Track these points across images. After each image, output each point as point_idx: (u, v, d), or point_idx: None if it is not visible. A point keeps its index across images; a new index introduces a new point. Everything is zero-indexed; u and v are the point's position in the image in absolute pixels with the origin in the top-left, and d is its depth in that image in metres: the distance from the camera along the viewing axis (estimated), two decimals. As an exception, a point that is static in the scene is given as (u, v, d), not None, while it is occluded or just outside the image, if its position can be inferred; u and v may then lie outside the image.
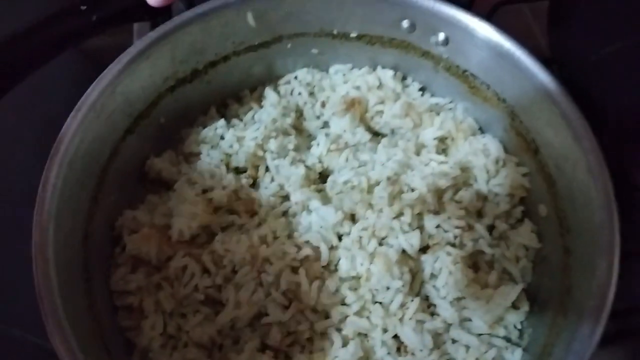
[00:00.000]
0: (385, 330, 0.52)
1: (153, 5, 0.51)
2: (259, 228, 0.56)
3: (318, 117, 0.65)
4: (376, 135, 0.64)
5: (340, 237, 0.56)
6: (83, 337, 0.48)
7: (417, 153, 0.60)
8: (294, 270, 0.54)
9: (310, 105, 0.65)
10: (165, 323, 0.54)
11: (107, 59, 0.54)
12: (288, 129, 0.62)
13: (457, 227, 0.55)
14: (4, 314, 0.61)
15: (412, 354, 0.52)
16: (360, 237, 0.54)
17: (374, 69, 0.65)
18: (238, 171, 0.61)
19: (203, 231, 0.57)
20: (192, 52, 0.59)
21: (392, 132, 0.63)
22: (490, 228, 0.58)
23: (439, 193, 0.57)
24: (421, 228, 0.55)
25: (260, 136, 0.60)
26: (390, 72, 0.65)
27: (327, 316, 0.53)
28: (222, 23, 0.58)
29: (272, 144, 0.60)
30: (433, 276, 0.54)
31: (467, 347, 0.53)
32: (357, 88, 0.64)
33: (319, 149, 0.61)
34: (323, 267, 0.54)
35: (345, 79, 0.65)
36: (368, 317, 0.52)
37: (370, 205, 0.56)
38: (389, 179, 0.56)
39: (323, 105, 0.65)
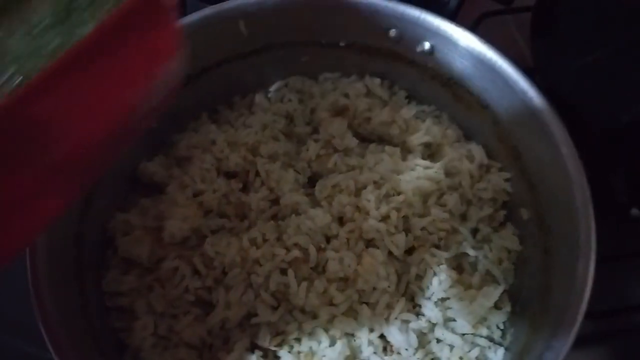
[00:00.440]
0: (371, 330, 0.53)
1: None
2: (249, 231, 0.57)
3: (308, 123, 0.67)
4: (364, 140, 0.65)
5: (328, 239, 0.57)
6: (76, 338, 0.49)
7: (404, 158, 0.62)
8: (283, 271, 0.55)
9: (300, 111, 0.67)
10: (157, 324, 0.55)
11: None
12: (278, 135, 0.64)
13: (441, 230, 0.57)
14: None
15: (398, 353, 0.53)
16: (348, 239, 0.56)
17: (362, 77, 0.67)
18: (229, 175, 0.62)
19: (194, 234, 0.58)
20: (185, 59, 0.60)
21: (380, 138, 0.65)
22: (474, 231, 0.60)
23: (424, 197, 0.58)
24: (407, 230, 0.57)
25: (251, 141, 0.62)
26: (377, 80, 0.66)
27: (315, 316, 0.54)
28: (215, 31, 0.60)
29: (263, 149, 0.62)
30: (418, 277, 0.55)
31: (451, 347, 0.54)
32: (346, 95, 0.66)
33: (309, 153, 0.62)
34: (311, 268, 0.55)
35: (334, 87, 0.67)
36: (355, 317, 0.54)
37: (358, 208, 0.57)
38: (375, 183, 0.58)
39: (312, 111, 0.66)
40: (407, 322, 0.54)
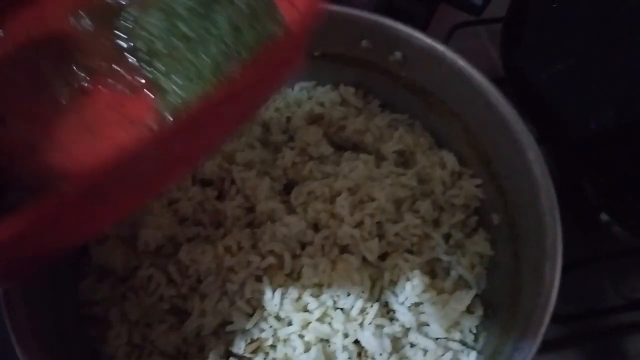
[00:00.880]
0: (346, 336, 0.54)
1: None
2: (224, 239, 0.57)
3: (284, 132, 0.67)
4: (339, 148, 0.66)
5: (303, 246, 0.58)
6: (48, 346, 0.48)
7: (378, 166, 0.63)
8: (258, 278, 0.55)
9: (276, 119, 0.67)
10: (131, 332, 0.55)
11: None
12: (254, 142, 0.64)
13: (414, 236, 0.58)
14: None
15: (372, 358, 0.54)
16: (323, 246, 0.57)
17: (337, 86, 0.68)
18: (204, 183, 0.62)
19: (169, 242, 0.58)
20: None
21: (354, 145, 0.66)
22: (447, 237, 0.61)
23: (397, 203, 0.59)
24: (381, 236, 0.57)
25: (226, 149, 0.62)
26: (352, 89, 0.67)
27: (290, 323, 0.54)
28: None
29: (239, 157, 0.62)
30: (392, 282, 0.56)
31: (425, 351, 0.55)
32: (321, 104, 0.67)
33: (285, 161, 0.63)
34: (286, 275, 0.56)
35: (309, 96, 0.68)
36: (330, 323, 0.54)
37: (333, 215, 0.58)
38: (350, 189, 0.59)
39: (288, 120, 0.67)
40: (381, 327, 0.54)
